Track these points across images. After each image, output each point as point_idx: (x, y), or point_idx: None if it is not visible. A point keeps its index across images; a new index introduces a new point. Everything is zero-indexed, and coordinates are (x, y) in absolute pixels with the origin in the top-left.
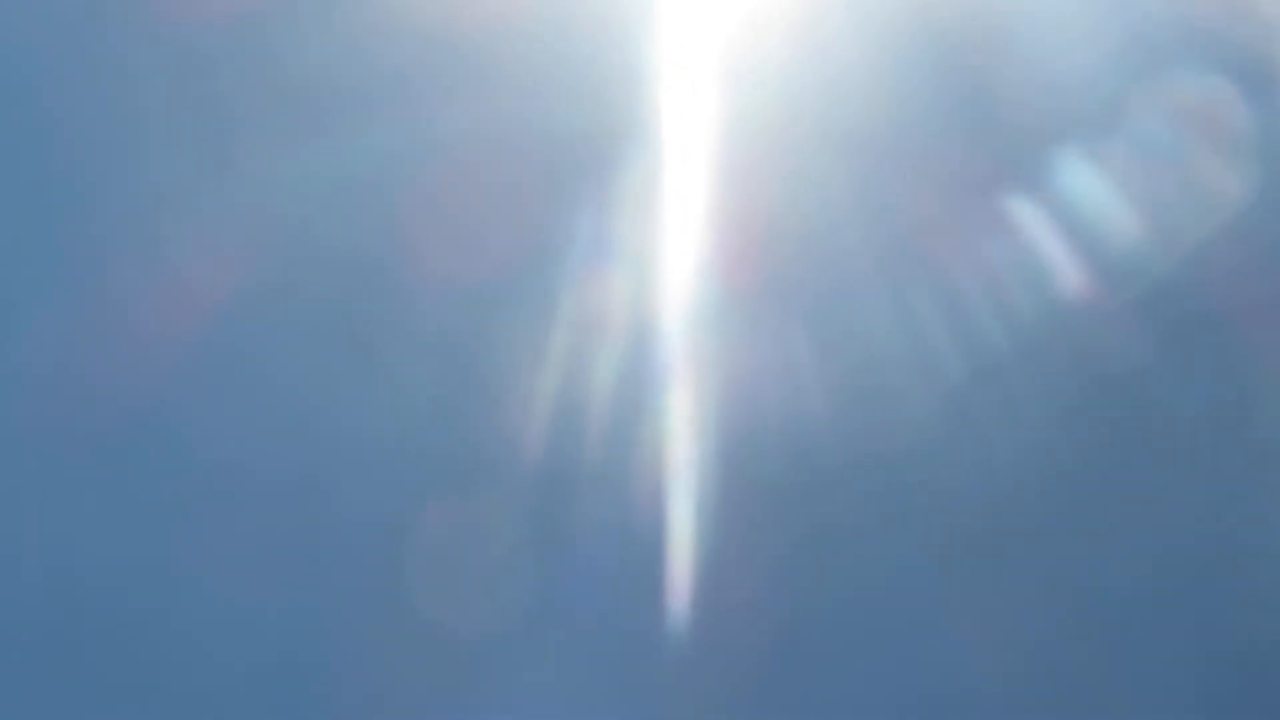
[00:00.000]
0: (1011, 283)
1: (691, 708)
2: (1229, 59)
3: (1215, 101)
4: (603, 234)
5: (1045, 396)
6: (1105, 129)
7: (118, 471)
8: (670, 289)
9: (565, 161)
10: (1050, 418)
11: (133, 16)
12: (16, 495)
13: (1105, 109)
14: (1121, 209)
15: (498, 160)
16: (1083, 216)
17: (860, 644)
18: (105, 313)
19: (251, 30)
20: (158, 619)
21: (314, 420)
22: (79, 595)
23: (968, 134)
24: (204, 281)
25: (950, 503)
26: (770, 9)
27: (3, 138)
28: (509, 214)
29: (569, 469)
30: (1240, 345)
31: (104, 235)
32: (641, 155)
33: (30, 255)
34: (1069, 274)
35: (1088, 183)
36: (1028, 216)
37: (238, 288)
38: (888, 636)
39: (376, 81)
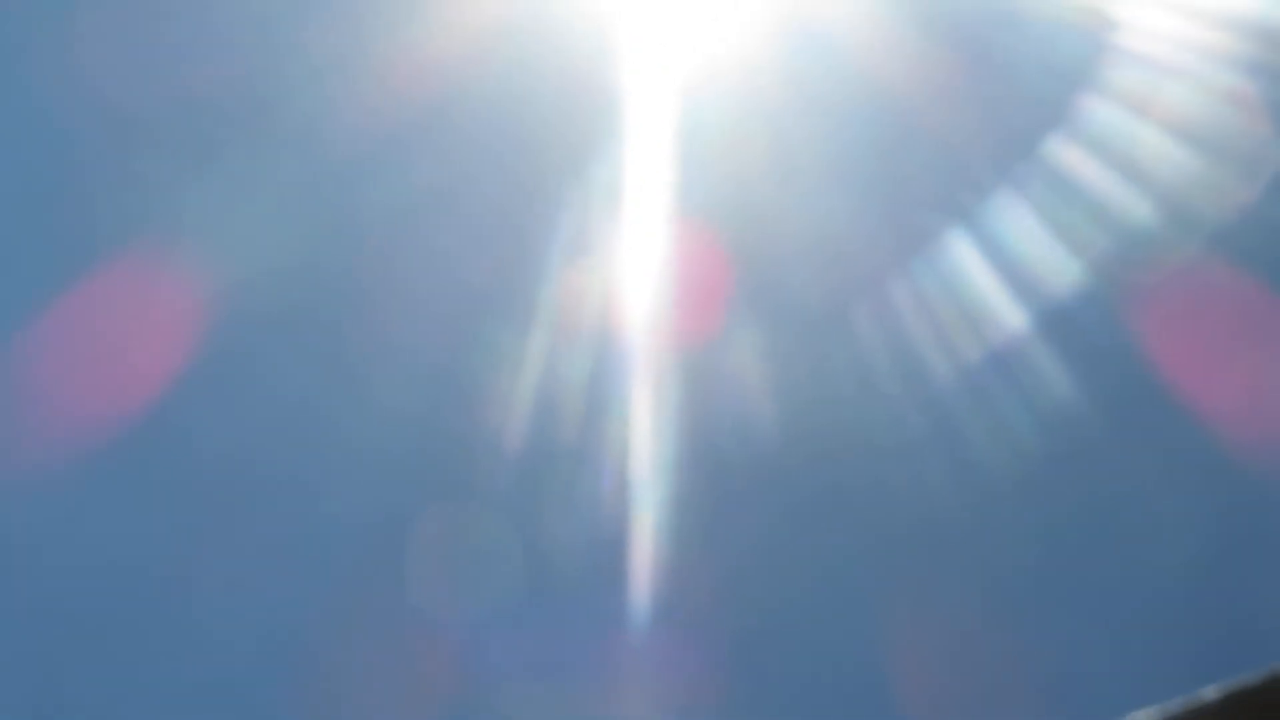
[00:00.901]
0: (949, 302)
1: (652, 693)
2: (1153, 98)
3: (1139, 138)
4: (572, 242)
5: (976, 414)
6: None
7: (111, 472)
8: (634, 295)
9: (538, 179)
10: (986, 429)
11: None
12: (14, 494)
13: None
14: (1050, 234)
15: (474, 178)
16: (1021, 248)
17: (814, 633)
18: (99, 319)
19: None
20: (153, 612)
21: (302, 417)
22: (74, 590)
23: (920, 150)
24: (210, 293)
25: (891, 499)
26: (733, 37)
27: None
28: (484, 223)
29: (538, 465)
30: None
31: (103, 249)
32: (609, 170)
33: (22, 261)
34: (1008, 300)
35: (1025, 215)
36: (966, 245)
37: (238, 296)
38: (839, 625)
39: (362, 101)
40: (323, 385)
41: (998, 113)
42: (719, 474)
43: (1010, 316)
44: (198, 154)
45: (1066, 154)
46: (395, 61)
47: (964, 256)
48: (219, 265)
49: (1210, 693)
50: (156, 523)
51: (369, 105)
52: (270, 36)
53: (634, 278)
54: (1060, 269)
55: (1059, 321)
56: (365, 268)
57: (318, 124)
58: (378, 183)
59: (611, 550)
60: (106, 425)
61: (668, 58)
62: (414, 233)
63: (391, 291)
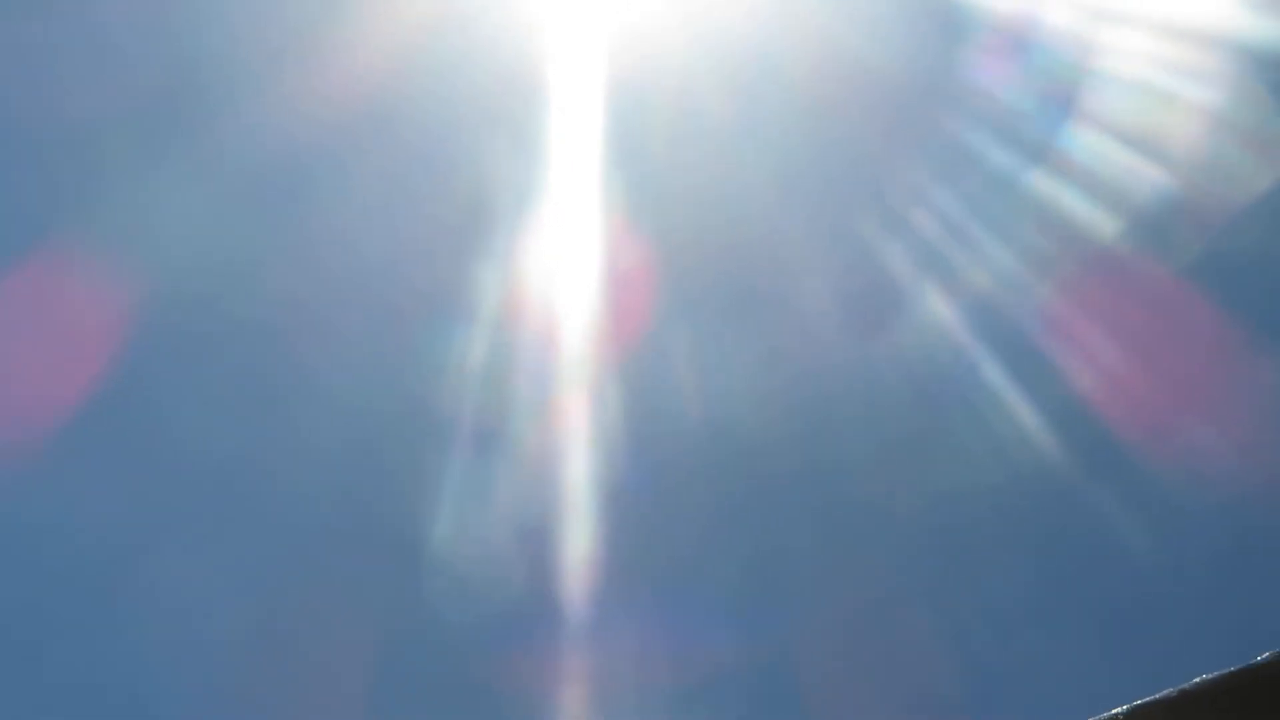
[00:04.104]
0: (883, 302)
1: (585, 685)
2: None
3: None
4: (504, 244)
5: (909, 411)
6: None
7: (81, 465)
8: (566, 296)
9: (470, 182)
10: (919, 426)
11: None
12: None
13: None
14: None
15: (407, 182)
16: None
17: (746, 624)
18: (36, 319)
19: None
20: (120, 602)
21: (260, 412)
22: (48, 580)
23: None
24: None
25: (823, 494)
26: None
27: None
28: (417, 226)
29: (472, 460)
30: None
31: (36, 251)
32: (540, 173)
33: None
34: (943, 301)
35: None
36: (896, 246)
37: (168, 298)
38: (774, 618)
39: (310, 139)
40: (257, 387)
41: (933, 115)
42: (650, 470)
43: (943, 316)
44: (140, 158)
45: (1019, 165)
46: (328, 66)
47: (901, 258)
48: (154, 263)
49: (1171, 691)
50: (98, 515)
51: (302, 109)
52: (203, 45)
53: (566, 277)
54: (997, 271)
55: (997, 330)
56: (296, 272)
57: (252, 126)
58: (308, 188)
59: (543, 543)
60: (47, 422)
61: (600, 62)
62: (347, 236)
63: (325, 293)
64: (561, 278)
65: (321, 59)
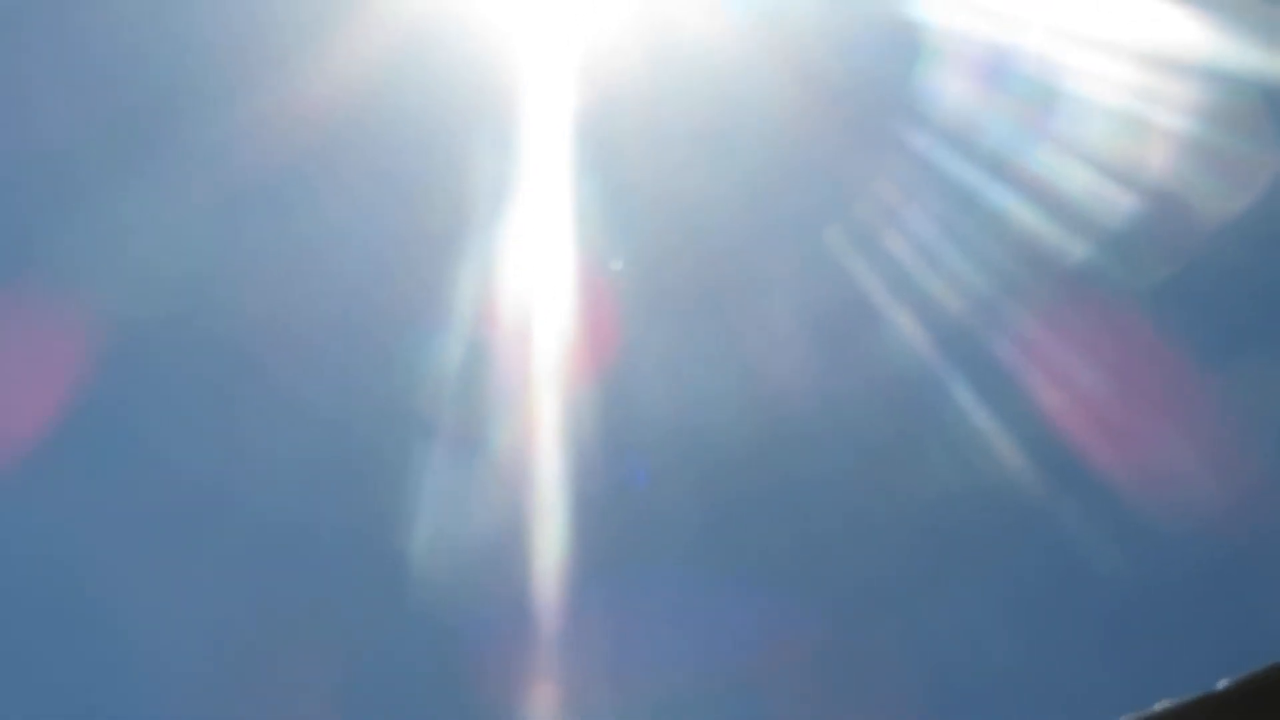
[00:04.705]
0: (848, 325)
1: (551, 691)
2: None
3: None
4: (475, 263)
5: (877, 427)
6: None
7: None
8: (537, 314)
9: (440, 201)
10: (886, 440)
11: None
12: None
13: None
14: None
15: (377, 202)
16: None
17: (705, 636)
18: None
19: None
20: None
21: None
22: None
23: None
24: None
25: (787, 512)
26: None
27: None
28: (387, 248)
29: (442, 469)
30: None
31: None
32: (510, 190)
33: None
34: (906, 323)
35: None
36: (865, 255)
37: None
38: (731, 628)
39: (288, 151)
40: (232, 392)
41: (905, 133)
42: (628, 476)
43: (914, 332)
44: (110, 164)
45: (989, 184)
46: (301, 78)
47: (874, 274)
48: (129, 269)
49: (1130, 717)
50: (98, 523)
51: (274, 120)
52: (172, 54)
53: (541, 286)
54: (968, 290)
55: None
56: (271, 281)
57: (224, 136)
58: (281, 199)
59: (520, 549)
60: (26, 434)
61: (574, 73)
62: (322, 245)
63: (301, 302)
64: (537, 286)
65: (294, 70)
